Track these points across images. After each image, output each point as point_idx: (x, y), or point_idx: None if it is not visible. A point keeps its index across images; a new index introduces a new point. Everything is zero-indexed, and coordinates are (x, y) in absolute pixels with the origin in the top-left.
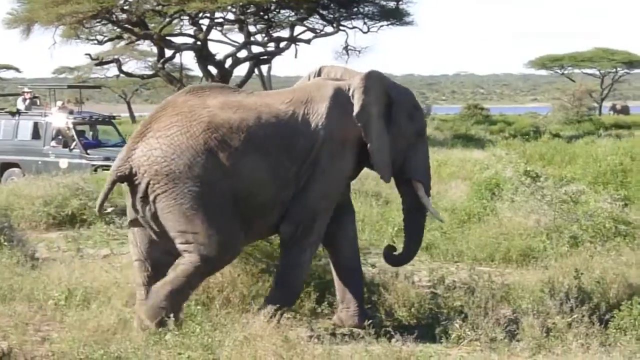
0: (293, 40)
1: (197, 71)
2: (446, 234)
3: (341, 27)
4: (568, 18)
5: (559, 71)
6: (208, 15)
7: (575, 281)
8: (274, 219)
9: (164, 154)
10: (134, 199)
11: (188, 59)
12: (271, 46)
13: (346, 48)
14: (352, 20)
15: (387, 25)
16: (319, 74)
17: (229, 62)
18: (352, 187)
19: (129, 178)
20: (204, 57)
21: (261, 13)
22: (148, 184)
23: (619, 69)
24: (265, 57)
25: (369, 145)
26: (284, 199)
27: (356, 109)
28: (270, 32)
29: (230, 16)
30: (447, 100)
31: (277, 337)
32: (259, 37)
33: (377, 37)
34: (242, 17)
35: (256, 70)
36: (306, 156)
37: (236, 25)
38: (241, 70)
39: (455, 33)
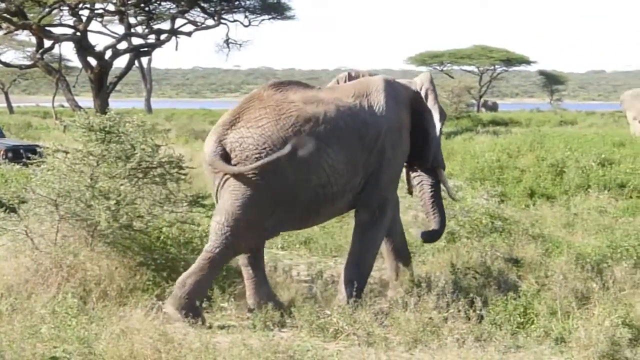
0: (174, 32)
1: (76, 62)
2: (325, 229)
3: (222, 20)
4: (448, 15)
5: (438, 68)
6: (88, 6)
7: (452, 276)
8: (343, 205)
9: (256, 142)
10: (218, 183)
11: (67, 50)
12: (152, 38)
13: (227, 41)
14: (234, 14)
15: (269, 19)
16: (348, 78)
17: (108, 53)
18: None
19: (223, 160)
20: (84, 48)
21: (142, 5)
22: (235, 165)
23: (497, 66)
24: (146, 49)
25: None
26: (353, 186)
27: (436, 107)
28: (151, 24)
29: (111, 7)
30: None
31: (154, 330)
32: (139, 29)
33: (258, 31)
34: (123, 9)
35: (136, 62)
36: (374, 145)
37: (116, 17)
38: (121, 62)
39: (336, 28)
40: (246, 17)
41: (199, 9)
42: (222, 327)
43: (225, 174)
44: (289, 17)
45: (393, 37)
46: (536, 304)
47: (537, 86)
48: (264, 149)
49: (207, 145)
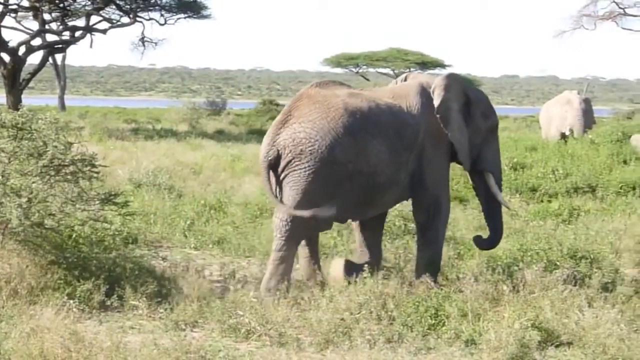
0: (89, 29)
1: None
2: (238, 229)
3: (138, 18)
4: (363, 17)
5: (354, 70)
6: (2, 1)
7: (364, 277)
8: (391, 198)
9: (308, 136)
10: (276, 178)
11: None
12: (66, 35)
13: (142, 39)
14: (149, 12)
15: (184, 17)
16: (405, 80)
17: (22, 49)
18: (148, 179)
19: (275, 161)
20: None
21: (57, 1)
22: (290, 161)
23: (412, 69)
24: (60, 46)
25: (450, 135)
26: (397, 181)
27: (436, 102)
28: (66, 20)
29: (25, 3)
30: (242, 95)
31: (65, 329)
32: (54, 26)
33: (174, 30)
34: (37, 5)
35: (50, 59)
36: (413, 145)
37: (31, 13)
38: (35, 59)
39: (252, 28)
40: (162, 15)
41: (114, 7)
42: (133, 327)
43: (284, 170)
44: (205, 16)
45: (309, 37)
46: (447, 306)
47: None
48: (316, 140)
49: (262, 147)
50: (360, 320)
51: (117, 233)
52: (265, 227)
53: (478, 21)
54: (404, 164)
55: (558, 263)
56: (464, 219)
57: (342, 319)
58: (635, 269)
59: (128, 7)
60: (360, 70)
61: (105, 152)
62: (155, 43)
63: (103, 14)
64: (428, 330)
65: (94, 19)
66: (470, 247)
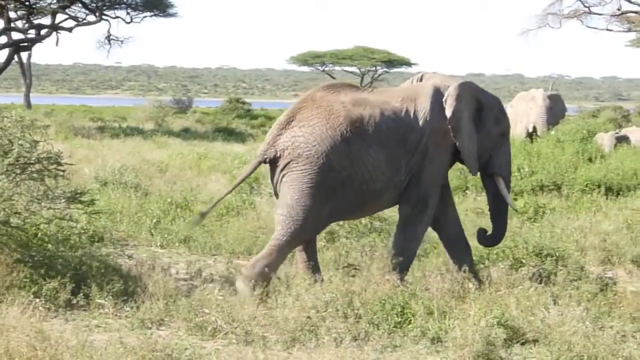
0: (54, 27)
1: None
2: (204, 227)
3: (104, 17)
4: (330, 16)
5: (320, 68)
6: None
7: (331, 276)
8: (387, 200)
9: (307, 140)
10: (273, 178)
11: None
12: (32, 33)
13: (108, 38)
14: (115, 10)
15: (151, 16)
16: (420, 80)
17: None
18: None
19: (273, 160)
20: None
21: None
22: (288, 163)
23: (378, 67)
24: (26, 44)
25: (458, 143)
26: (396, 184)
27: (448, 113)
28: (31, 18)
29: None
30: (209, 93)
31: (31, 328)
32: (19, 24)
33: (140, 28)
34: (3, 3)
35: (16, 57)
36: (416, 147)
37: None
38: (0, 57)
39: (219, 27)
40: (128, 13)
41: (80, 5)
42: (99, 325)
43: (283, 170)
44: (171, 15)
45: (276, 36)
46: (413, 304)
47: None
48: (314, 146)
49: (263, 142)
50: (327, 318)
51: (83, 231)
52: (231, 225)
53: (444, 19)
54: (404, 167)
55: (524, 261)
56: None
57: (309, 317)
58: (600, 267)
59: (94, 5)
60: (327, 69)
61: (71, 150)
62: (122, 41)
63: (69, 12)
64: (394, 328)
65: (60, 17)
66: (437, 244)
